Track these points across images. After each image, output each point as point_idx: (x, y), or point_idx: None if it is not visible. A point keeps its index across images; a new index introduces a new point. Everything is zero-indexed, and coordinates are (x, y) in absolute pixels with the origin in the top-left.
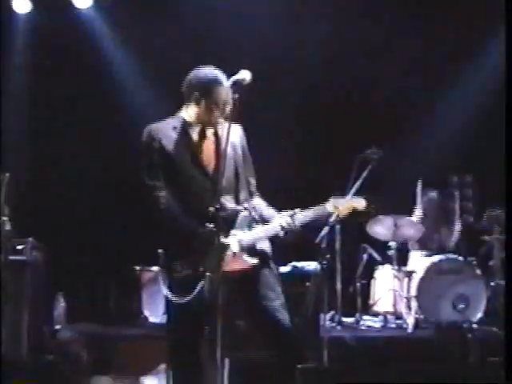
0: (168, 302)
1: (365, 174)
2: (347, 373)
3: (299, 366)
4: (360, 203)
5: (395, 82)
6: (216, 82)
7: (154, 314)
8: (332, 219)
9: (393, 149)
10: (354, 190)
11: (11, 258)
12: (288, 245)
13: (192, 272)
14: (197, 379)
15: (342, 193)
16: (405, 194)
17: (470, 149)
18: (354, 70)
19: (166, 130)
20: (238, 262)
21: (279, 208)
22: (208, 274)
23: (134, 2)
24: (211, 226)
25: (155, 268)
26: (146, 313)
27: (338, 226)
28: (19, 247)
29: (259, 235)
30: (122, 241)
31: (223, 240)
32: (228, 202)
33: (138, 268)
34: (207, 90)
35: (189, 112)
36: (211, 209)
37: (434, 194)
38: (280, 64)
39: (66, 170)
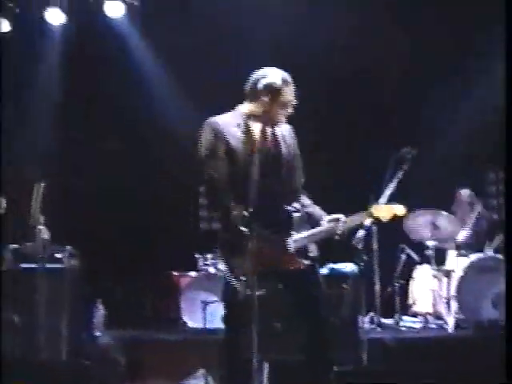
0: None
1: (400, 174)
2: (385, 374)
3: (335, 368)
4: (400, 209)
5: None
6: (285, 82)
7: (193, 318)
8: (369, 223)
9: (426, 148)
10: (389, 191)
11: (50, 266)
12: (325, 246)
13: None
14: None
15: (378, 193)
16: (439, 192)
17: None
18: (385, 71)
19: (230, 127)
20: (292, 261)
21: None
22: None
23: (163, 9)
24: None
25: (193, 273)
26: (185, 318)
27: (374, 227)
28: (58, 255)
29: (314, 237)
30: (159, 246)
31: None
32: (285, 202)
33: (175, 273)
34: (277, 89)
35: (254, 110)
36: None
37: (470, 192)
38: (308, 65)
39: (102, 177)
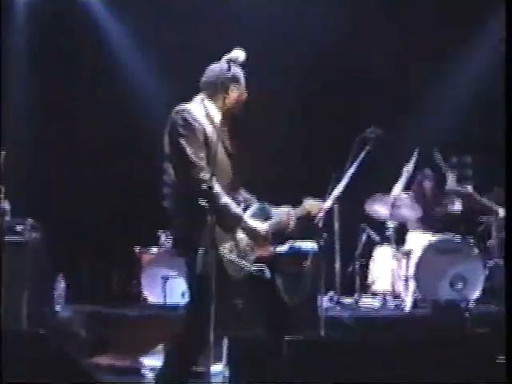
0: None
1: (363, 154)
2: (339, 346)
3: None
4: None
5: (394, 64)
6: (243, 76)
7: (153, 294)
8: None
9: (391, 129)
10: (352, 170)
11: (9, 238)
12: None
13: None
14: (197, 356)
15: (341, 173)
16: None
17: (470, 130)
18: (351, 52)
19: (200, 115)
20: (265, 249)
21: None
22: (201, 250)
23: None
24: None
25: (154, 249)
26: (146, 293)
27: (336, 207)
28: (18, 228)
29: (278, 224)
30: (122, 221)
31: (258, 227)
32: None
33: (137, 249)
34: (238, 82)
35: (215, 102)
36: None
37: (431, 175)
38: (271, 47)
39: (67, 149)
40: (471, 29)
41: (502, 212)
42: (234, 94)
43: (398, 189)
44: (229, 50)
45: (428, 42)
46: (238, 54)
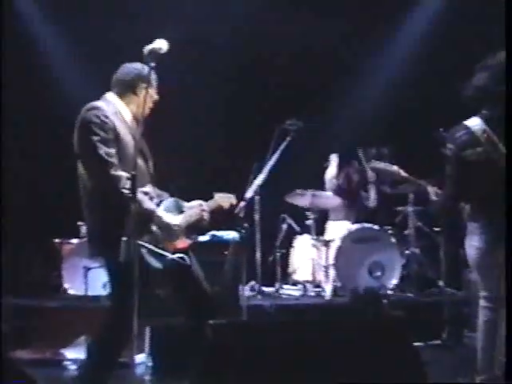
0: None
1: (283, 145)
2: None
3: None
4: (233, 200)
5: (317, 55)
6: (154, 77)
7: (74, 286)
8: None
9: (312, 121)
10: (272, 162)
11: None
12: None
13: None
14: (121, 347)
15: (261, 165)
16: (323, 166)
17: (388, 122)
18: (276, 41)
19: (111, 112)
20: (180, 241)
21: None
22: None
23: None
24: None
25: (75, 240)
26: (66, 285)
27: (256, 198)
28: None
29: (191, 218)
30: (43, 213)
31: (170, 221)
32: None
33: (57, 240)
34: (147, 82)
35: (124, 100)
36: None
37: (351, 166)
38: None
39: None
40: (390, 21)
41: (431, 190)
42: (143, 94)
43: (332, 171)
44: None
45: (348, 35)
46: (161, 44)
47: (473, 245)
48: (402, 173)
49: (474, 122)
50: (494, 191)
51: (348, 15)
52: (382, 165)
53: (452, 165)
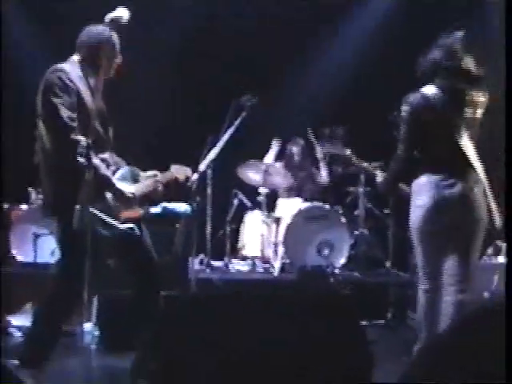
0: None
1: (238, 121)
2: (211, 302)
3: (162, 293)
4: (189, 172)
5: (272, 31)
6: (113, 39)
7: (22, 252)
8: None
9: (267, 97)
10: (226, 136)
11: None
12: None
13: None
14: (67, 315)
15: (215, 140)
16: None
17: (344, 100)
18: (234, 17)
19: (75, 76)
20: (133, 210)
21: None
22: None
23: None
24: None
25: (24, 206)
26: (14, 251)
27: (209, 171)
28: None
29: (146, 188)
30: None
31: (125, 190)
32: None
33: (6, 205)
34: (110, 45)
35: (89, 64)
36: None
37: (302, 144)
38: (153, 9)
39: None
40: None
41: (380, 175)
42: (108, 57)
43: (270, 156)
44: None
45: (304, 10)
46: (122, 12)
47: (418, 205)
48: (354, 158)
49: (429, 89)
50: (451, 149)
51: None
52: (335, 149)
53: (407, 125)
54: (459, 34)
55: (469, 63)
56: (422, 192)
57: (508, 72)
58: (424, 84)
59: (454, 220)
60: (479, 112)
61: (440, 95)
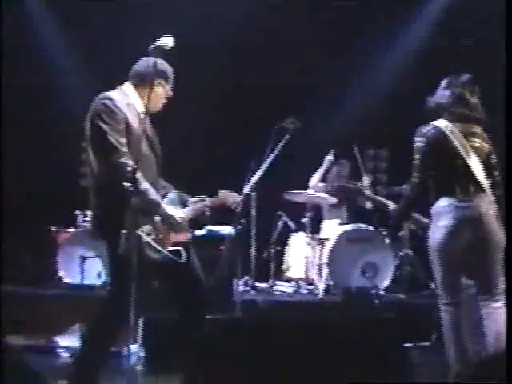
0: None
1: (281, 143)
2: (256, 326)
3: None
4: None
5: (316, 55)
6: (171, 73)
7: (69, 274)
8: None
9: (309, 120)
10: (270, 159)
11: None
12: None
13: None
14: (114, 337)
15: (260, 162)
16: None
17: (384, 122)
18: (266, 40)
19: (123, 103)
20: (181, 234)
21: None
22: (124, 232)
23: None
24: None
25: (71, 229)
26: (61, 273)
27: (253, 194)
28: None
29: (194, 212)
30: (39, 201)
31: (174, 214)
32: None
33: (54, 228)
34: (167, 78)
35: (140, 93)
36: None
37: (346, 166)
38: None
39: None
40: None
41: (391, 205)
42: (160, 89)
43: (316, 178)
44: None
45: (348, 32)
46: (167, 40)
47: (439, 226)
48: (367, 191)
49: (441, 122)
50: (463, 174)
51: (349, 12)
52: (376, 198)
53: (422, 155)
54: (465, 77)
55: (473, 105)
56: (443, 213)
57: (508, 72)
58: (431, 120)
59: (475, 236)
60: (485, 143)
61: (450, 128)
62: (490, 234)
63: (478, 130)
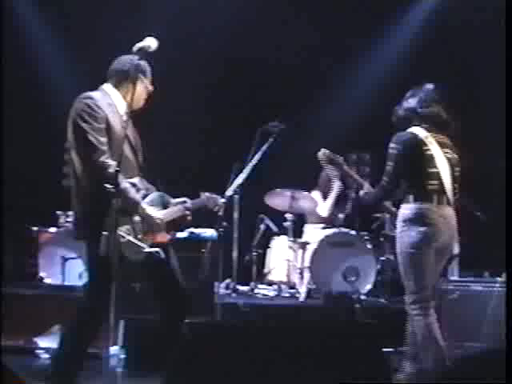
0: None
1: (265, 146)
2: (237, 329)
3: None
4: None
5: (298, 56)
6: (150, 70)
7: (50, 274)
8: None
9: (294, 123)
10: (253, 162)
11: None
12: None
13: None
14: (93, 338)
15: (243, 164)
16: (303, 168)
17: (369, 127)
18: (256, 42)
19: (104, 103)
20: (160, 235)
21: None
22: (105, 232)
23: None
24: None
25: (53, 229)
26: (42, 274)
27: (236, 196)
28: None
29: (174, 214)
30: (20, 200)
31: (153, 214)
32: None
33: (35, 228)
34: (146, 73)
35: (121, 92)
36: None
37: (330, 170)
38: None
39: None
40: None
41: (366, 187)
42: (141, 85)
43: (328, 206)
44: (141, 39)
45: (334, 36)
46: (151, 42)
47: (416, 231)
48: (345, 166)
49: (416, 129)
50: (434, 181)
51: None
52: (329, 152)
53: (395, 161)
54: (429, 85)
55: (439, 111)
56: (416, 220)
57: (508, 72)
58: (400, 129)
59: (444, 242)
60: (455, 154)
61: (424, 135)
62: (451, 244)
63: (446, 140)
